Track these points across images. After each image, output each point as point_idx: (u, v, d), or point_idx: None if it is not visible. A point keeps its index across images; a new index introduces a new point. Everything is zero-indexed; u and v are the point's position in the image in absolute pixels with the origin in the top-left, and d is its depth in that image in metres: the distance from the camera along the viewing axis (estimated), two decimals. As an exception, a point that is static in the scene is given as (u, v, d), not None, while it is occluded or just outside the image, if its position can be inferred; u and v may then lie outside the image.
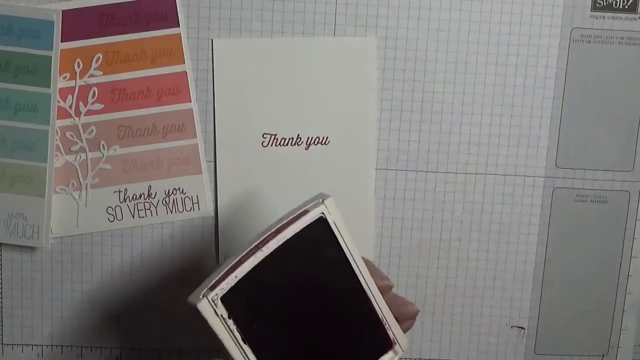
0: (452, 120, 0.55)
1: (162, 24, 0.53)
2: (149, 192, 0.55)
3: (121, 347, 0.57)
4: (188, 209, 0.55)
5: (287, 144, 0.54)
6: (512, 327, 0.57)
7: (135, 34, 0.53)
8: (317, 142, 0.54)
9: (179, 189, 0.54)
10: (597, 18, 0.54)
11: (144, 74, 0.53)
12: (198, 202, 0.55)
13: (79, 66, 0.53)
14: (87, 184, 0.54)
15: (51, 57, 0.53)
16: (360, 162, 0.54)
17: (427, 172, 0.55)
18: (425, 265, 0.56)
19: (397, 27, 0.53)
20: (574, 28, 0.54)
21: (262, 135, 0.54)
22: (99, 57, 0.53)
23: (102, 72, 0.53)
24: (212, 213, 0.55)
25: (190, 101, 0.54)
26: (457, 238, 0.56)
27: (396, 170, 0.55)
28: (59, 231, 0.55)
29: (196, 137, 0.54)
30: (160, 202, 0.55)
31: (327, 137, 0.54)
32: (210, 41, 0.53)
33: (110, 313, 0.57)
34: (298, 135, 0.53)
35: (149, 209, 0.55)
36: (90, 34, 0.53)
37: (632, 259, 0.57)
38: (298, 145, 0.54)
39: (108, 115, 0.54)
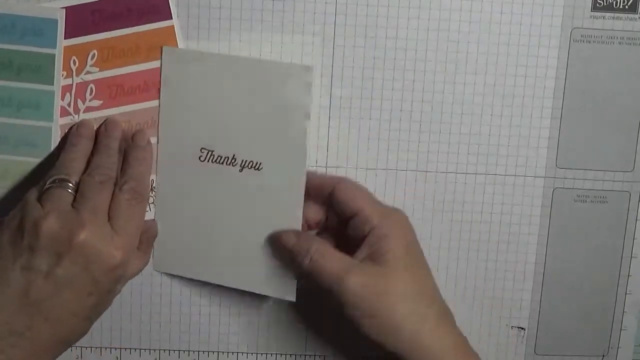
0: (452, 121, 0.55)
1: (154, 17, 0.53)
2: (151, 186, 0.55)
3: (121, 347, 0.57)
4: None
5: (223, 163, 0.53)
6: (512, 327, 0.57)
7: (129, 28, 0.53)
8: (251, 166, 0.53)
9: None
10: (597, 18, 0.53)
11: (139, 68, 0.53)
12: None
13: (74, 64, 0.53)
14: None
15: (54, 55, 0.53)
16: (289, 193, 0.53)
17: (427, 172, 0.55)
18: (425, 265, 0.56)
19: (397, 27, 0.53)
20: (574, 28, 0.54)
21: (200, 150, 0.53)
22: (94, 54, 0.53)
23: (98, 69, 0.53)
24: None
25: None
26: (456, 238, 0.56)
27: (396, 170, 0.55)
28: None
29: None
30: (162, 196, 0.55)
31: (260, 163, 0.53)
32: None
33: (111, 313, 0.57)
34: (233, 155, 0.53)
35: (153, 202, 0.55)
36: (84, 31, 0.53)
37: (632, 259, 0.56)
38: (232, 165, 0.53)
39: (107, 111, 0.54)
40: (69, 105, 0.53)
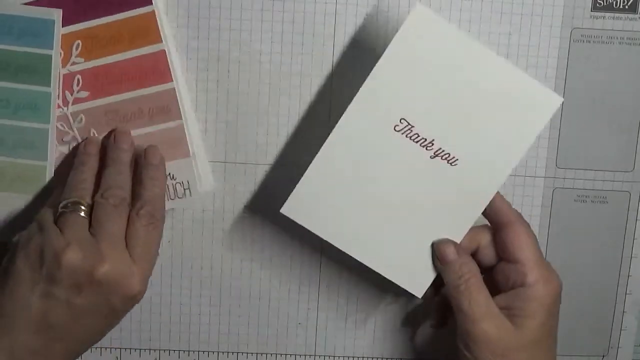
0: (452, 120, 0.54)
1: (134, 3, 0.51)
2: None
3: (121, 347, 0.57)
4: (180, 195, 0.54)
5: (417, 142, 0.49)
6: (511, 327, 0.57)
7: (110, 16, 0.52)
8: (445, 158, 0.50)
9: (169, 175, 0.53)
10: (597, 18, 0.53)
11: (123, 57, 0.52)
12: (189, 188, 0.54)
13: (60, 55, 0.52)
14: None
15: (51, 55, 0.53)
16: (471, 202, 0.50)
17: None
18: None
19: (397, 27, 0.53)
20: (574, 28, 0.54)
21: (400, 120, 0.49)
22: (78, 44, 0.52)
23: (83, 59, 0.52)
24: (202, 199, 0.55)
25: (172, 81, 0.53)
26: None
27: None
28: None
29: (181, 119, 0.53)
30: None
31: (456, 159, 0.49)
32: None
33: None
34: (432, 140, 0.49)
35: None
36: (66, 21, 0.52)
37: (632, 259, 0.56)
38: (427, 149, 0.49)
39: (95, 102, 0.53)
40: (57, 97, 0.53)
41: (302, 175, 0.49)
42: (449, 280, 0.49)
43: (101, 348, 0.57)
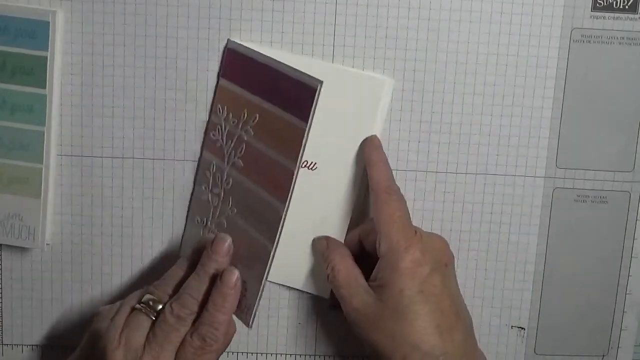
0: (452, 121, 0.54)
1: (295, 111, 0.48)
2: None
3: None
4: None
5: None
6: (512, 327, 0.57)
7: (278, 109, 0.49)
8: (305, 165, 0.53)
9: None
10: (597, 18, 0.53)
11: (278, 158, 0.49)
12: None
13: (243, 117, 0.51)
14: (209, 229, 0.54)
15: (47, 57, 0.52)
16: (340, 195, 0.54)
17: (427, 172, 0.55)
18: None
19: (397, 28, 0.53)
20: (574, 28, 0.53)
21: None
22: (255, 117, 0.50)
23: (253, 133, 0.51)
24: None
25: (286, 201, 0.49)
26: (457, 238, 0.56)
27: (396, 170, 0.55)
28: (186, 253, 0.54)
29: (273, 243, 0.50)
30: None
31: (315, 163, 0.53)
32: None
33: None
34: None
35: None
36: (259, 91, 0.51)
37: (632, 259, 0.57)
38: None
39: (242, 177, 0.51)
40: (227, 152, 0.52)
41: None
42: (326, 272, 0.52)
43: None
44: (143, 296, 0.50)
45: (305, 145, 0.47)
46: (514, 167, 0.55)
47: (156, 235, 0.56)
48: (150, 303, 0.49)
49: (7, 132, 0.53)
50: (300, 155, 0.47)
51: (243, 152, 0.51)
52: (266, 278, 0.50)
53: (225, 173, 0.53)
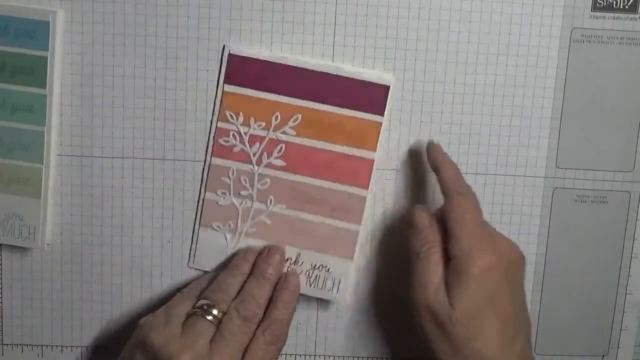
0: (452, 121, 0.54)
1: (368, 109, 0.53)
2: (296, 259, 0.55)
3: (121, 348, 0.57)
4: (326, 287, 0.55)
5: None
6: (512, 327, 0.57)
7: (341, 108, 0.53)
8: None
9: (325, 266, 0.55)
10: (597, 18, 0.53)
11: (333, 148, 0.53)
12: (338, 287, 0.55)
13: (276, 120, 0.53)
14: (243, 230, 0.55)
15: (47, 57, 0.52)
16: None
17: (426, 172, 0.55)
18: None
19: (397, 27, 0.53)
20: (574, 28, 0.53)
21: None
22: (297, 118, 0.53)
23: (295, 133, 0.53)
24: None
25: (368, 189, 0.54)
26: (457, 238, 0.56)
27: (396, 170, 0.55)
28: (201, 264, 0.56)
29: (360, 225, 0.54)
30: (303, 272, 0.55)
31: None
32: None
33: (111, 313, 0.57)
34: None
35: None
36: (297, 93, 0.53)
37: (632, 259, 0.57)
38: None
39: (286, 174, 0.54)
40: (254, 155, 0.53)
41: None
42: (412, 245, 0.51)
43: (102, 348, 0.57)
44: (196, 302, 0.51)
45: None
46: (514, 167, 0.55)
47: (156, 235, 0.56)
48: (205, 307, 0.50)
49: (7, 132, 0.53)
50: (377, 145, 0.53)
51: (283, 151, 0.53)
52: (356, 254, 0.55)
53: (257, 175, 0.54)
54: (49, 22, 0.52)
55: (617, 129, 0.55)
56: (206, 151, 0.54)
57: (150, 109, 0.54)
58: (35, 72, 0.52)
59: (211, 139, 0.54)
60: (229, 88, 0.53)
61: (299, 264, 0.55)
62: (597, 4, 0.53)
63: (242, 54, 0.53)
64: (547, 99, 0.54)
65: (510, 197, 0.55)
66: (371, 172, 0.53)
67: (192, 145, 0.55)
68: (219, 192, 0.54)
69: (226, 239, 0.55)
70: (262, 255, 0.53)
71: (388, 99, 0.53)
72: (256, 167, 0.54)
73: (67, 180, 0.55)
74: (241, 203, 0.54)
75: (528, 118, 0.54)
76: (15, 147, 0.53)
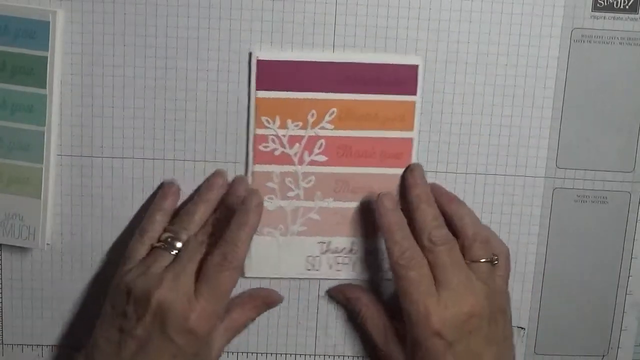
0: (452, 121, 0.54)
1: (400, 90, 0.53)
2: (351, 248, 0.55)
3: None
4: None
5: None
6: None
7: (373, 95, 0.53)
8: None
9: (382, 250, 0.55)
10: (597, 18, 0.53)
11: (372, 134, 0.54)
12: None
13: (312, 117, 0.53)
14: (294, 230, 0.55)
15: (47, 57, 0.52)
16: None
17: (427, 172, 0.55)
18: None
19: (397, 27, 0.53)
20: (575, 28, 0.53)
21: None
22: (333, 112, 0.53)
23: (333, 127, 0.54)
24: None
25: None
26: (457, 238, 0.56)
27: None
28: (257, 272, 0.56)
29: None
30: (360, 259, 0.55)
31: None
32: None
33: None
34: None
35: (348, 263, 0.55)
36: (329, 88, 0.53)
37: (632, 259, 0.57)
38: None
39: (329, 168, 0.54)
40: (295, 155, 0.54)
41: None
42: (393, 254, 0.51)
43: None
44: (160, 231, 0.52)
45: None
46: (514, 167, 0.55)
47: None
48: (171, 240, 0.51)
49: (7, 132, 0.53)
50: (414, 123, 0.54)
51: (323, 147, 0.53)
52: None
53: (301, 174, 0.54)
54: (49, 22, 0.52)
55: (618, 129, 0.55)
56: (246, 159, 0.54)
57: (150, 109, 0.54)
58: (35, 72, 0.52)
59: (250, 146, 0.54)
60: (261, 94, 0.53)
61: (354, 252, 0.55)
62: (598, 4, 0.53)
63: (270, 59, 0.53)
64: (547, 99, 0.54)
65: (510, 197, 0.55)
66: (411, 149, 0.54)
67: (192, 145, 0.54)
68: (266, 198, 0.54)
69: (278, 242, 0.55)
70: (229, 189, 0.54)
71: (419, 77, 0.53)
72: (299, 167, 0.54)
73: (67, 180, 0.55)
74: (289, 204, 0.55)
75: (528, 118, 0.54)
76: (15, 147, 0.53)
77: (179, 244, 0.51)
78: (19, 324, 0.57)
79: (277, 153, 0.54)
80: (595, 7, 0.53)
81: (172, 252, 0.51)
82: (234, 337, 0.54)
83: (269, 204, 0.54)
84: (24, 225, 0.54)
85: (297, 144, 0.54)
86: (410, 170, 0.53)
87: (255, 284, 0.56)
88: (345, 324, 0.57)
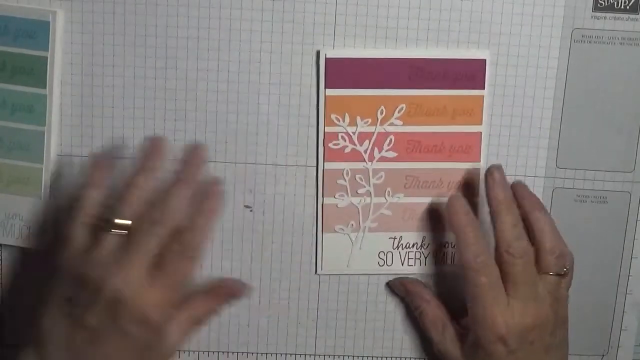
0: (452, 120, 0.55)
1: (468, 84, 0.53)
2: (422, 242, 0.55)
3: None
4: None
5: None
6: (512, 327, 0.57)
7: (441, 90, 0.53)
8: None
9: (451, 243, 0.55)
10: (598, 18, 0.53)
11: (441, 129, 0.54)
12: None
13: (381, 113, 0.53)
14: (365, 227, 0.55)
15: (47, 57, 0.52)
16: None
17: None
18: (426, 265, 0.56)
19: (397, 27, 0.53)
20: (575, 28, 0.53)
21: None
22: (402, 108, 0.53)
23: (402, 122, 0.54)
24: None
25: (479, 161, 0.54)
26: (457, 238, 0.56)
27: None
28: (329, 269, 0.56)
29: (479, 197, 0.55)
30: (431, 254, 0.55)
31: None
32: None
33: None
34: None
35: (419, 258, 0.55)
36: (398, 84, 0.53)
37: (632, 259, 0.57)
38: None
39: (399, 164, 0.54)
40: (365, 152, 0.54)
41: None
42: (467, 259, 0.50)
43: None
44: (103, 213, 0.48)
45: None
46: (514, 167, 0.55)
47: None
48: (112, 220, 0.48)
49: (7, 132, 0.53)
50: (482, 117, 0.54)
51: (393, 143, 0.54)
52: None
53: (371, 170, 0.54)
54: (48, 22, 0.52)
55: (618, 130, 0.55)
56: (316, 157, 0.55)
57: (150, 109, 0.54)
58: (35, 72, 0.52)
59: (321, 144, 0.54)
60: (330, 92, 0.53)
61: (425, 247, 0.55)
62: (598, 5, 0.53)
63: (339, 56, 0.53)
64: (547, 99, 0.54)
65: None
66: (480, 144, 0.54)
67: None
68: (337, 195, 0.55)
69: (351, 239, 0.55)
70: (185, 158, 0.51)
71: (486, 71, 0.53)
72: (369, 163, 0.54)
73: (67, 180, 0.55)
74: (360, 201, 0.55)
75: (528, 118, 0.54)
76: (15, 147, 0.53)
77: (122, 222, 0.48)
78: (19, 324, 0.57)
79: (347, 150, 0.54)
80: (596, 8, 0.53)
81: (114, 231, 0.47)
82: (195, 329, 0.51)
83: (340, 201, 0.55)
84: (24, 225, 0.54)
85: (367, 141, 0.54)
86: (490, 172, 0.52)
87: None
88: (344, 323, 0.57)
